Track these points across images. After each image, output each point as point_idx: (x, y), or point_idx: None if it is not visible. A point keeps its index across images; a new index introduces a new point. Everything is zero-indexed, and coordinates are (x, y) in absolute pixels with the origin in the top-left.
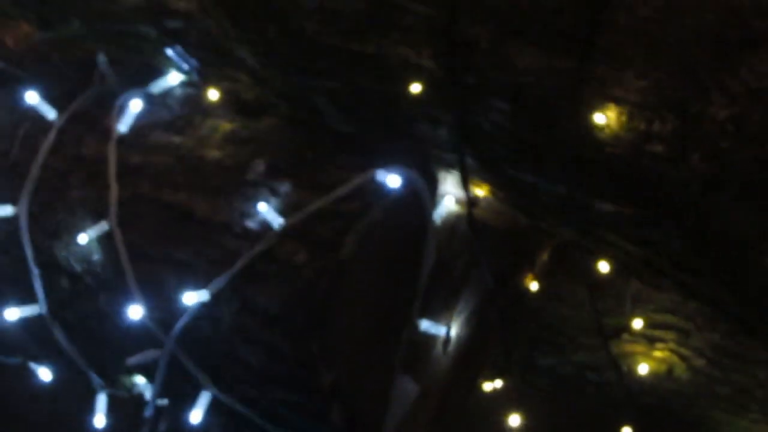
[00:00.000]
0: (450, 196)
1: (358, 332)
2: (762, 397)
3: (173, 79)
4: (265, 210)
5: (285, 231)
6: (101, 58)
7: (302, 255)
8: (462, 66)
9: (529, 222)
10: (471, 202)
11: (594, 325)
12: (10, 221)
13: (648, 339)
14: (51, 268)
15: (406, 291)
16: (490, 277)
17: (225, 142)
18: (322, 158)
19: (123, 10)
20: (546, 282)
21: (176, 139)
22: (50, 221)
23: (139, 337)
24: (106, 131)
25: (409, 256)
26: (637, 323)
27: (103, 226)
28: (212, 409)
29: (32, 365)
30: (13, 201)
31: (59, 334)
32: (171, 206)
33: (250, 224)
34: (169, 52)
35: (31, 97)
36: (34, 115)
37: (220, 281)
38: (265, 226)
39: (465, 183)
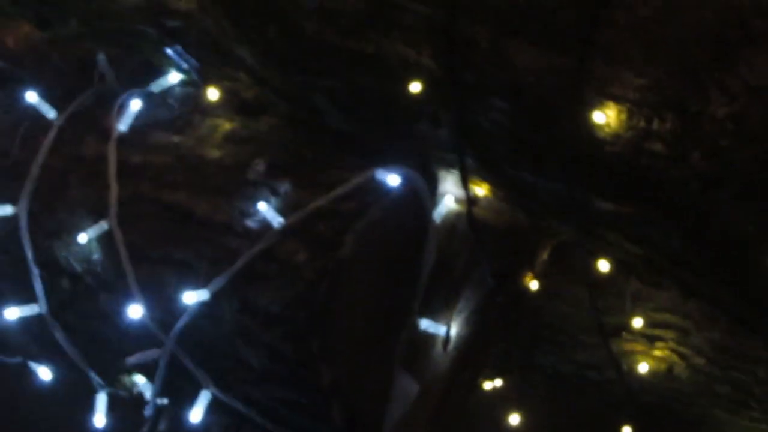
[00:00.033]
0: (450, 195)
1: (358, 331)
2: (762, 396)
3: (173, 78)
4: (265, 209)
5: (285, 230)
6: (101, 58)
7: (302, 254)
8: (462, 65)
9: (529, 221)
10: (471, 201)
11: (594, 324)
12: (10, 221)
13: (648, 338)
14: (51, 267)
15: (406, 290)
16: (490, 276)
17: (225, 141)
18: (321, 157)
19: (122, 10)
20: (546, 281)
21: (176, 139)
22: (50, 221)
23: (139, 336)
24: (106, 131)
25: (409, 255)
26: (637, 322)
27: (102, 226)
28: (212, 409)
29: (32, 365)
30: (13, 201)
31: (59, 334)
32: (171, 206)
33: (250, 224)
34: (169, 51)
35: (31, 97)
36: (33, 114)
37: (220, 281)
38: (265, 225)
39: (465, 182)
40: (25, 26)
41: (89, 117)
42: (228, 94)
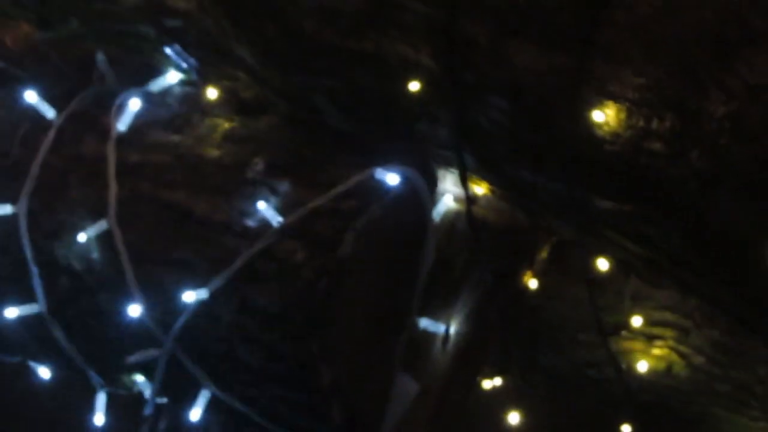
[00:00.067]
0: (449, 194)
1: (357, 331)
2: (762, 394)
3: (172, 77)
4: (264, 208)
5: (284, 229)
6: (100, 58)
7: (301, 254)
8: (461, 64)
9: (529, 220)
10: (470, 200)
11: (593, 323)
12: (10, 220)
13: (647, 336)
14: (50, 267)
15: (405, 289)
16: (489, 275)
17: (224, 140)
18: (321, 157)
19: (122, 10)
20: (545, 279)
21: (175, 138)
22: (50, 220)
23: (138, 335)
24: (106, 130)
25: (409, 254)
26: (636, 321)
27: (102, 225)
28: (212, 408)
29: (32, 364)
30: (13, 200)
31: (59, 333)
32: (170, 205)
33: (250, 223)
34: (168, 51)
35: (31, 97)
36: (33, 114)
37: (219, 280)
38: (265, 224)
39: (464, 181)
40: (25, 26)
41: (88, 116)
42: (227, 94)
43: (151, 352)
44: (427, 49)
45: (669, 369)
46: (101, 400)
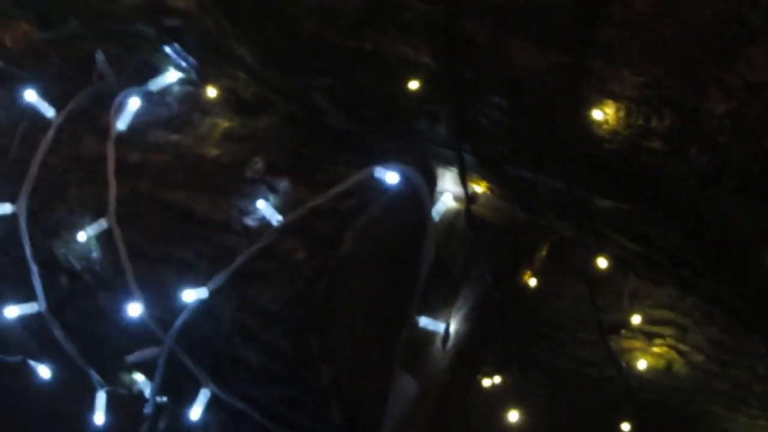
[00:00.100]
0: (448, 193)
1: (357, 330)
2: (761, 393)
3: (172, 77)
4: (264, 207)
5: (284, 228)
6: (100, 57)
7: (301, 252)
8: (461, 63)
9: (528, 218)
10: (469, 198)
11: (593, 321)
12: (9, 220)
13: (646, 335)
14: (50, 266)
15: (404, 288)
16: (488, 273)
17: (224, 140)
18: (320, 156)
19: (122, 9)
20: (545, 278)
21: (175, 137)
22: (49, 219)
23: (138, 334)
24: (105, 129)
25: (408, 253)
26: (636, 319)
27: (102, 224)
28: (211, 407)
29: (32, 363)
30: (12, 199)
31: (58, 332)
32: (170, 204)
33: (249, 222)
34: (168, 50)
35: (30, 96)
36: (33, 113)
37: (219, 279)
38: (264, 223)
39: (463, 180)
40: (24, 25)
41: (88, 116)
42: (227, 93)
43: (151, 351)
44: (426, 49)
45: (668, 367)
46: (101, 399)
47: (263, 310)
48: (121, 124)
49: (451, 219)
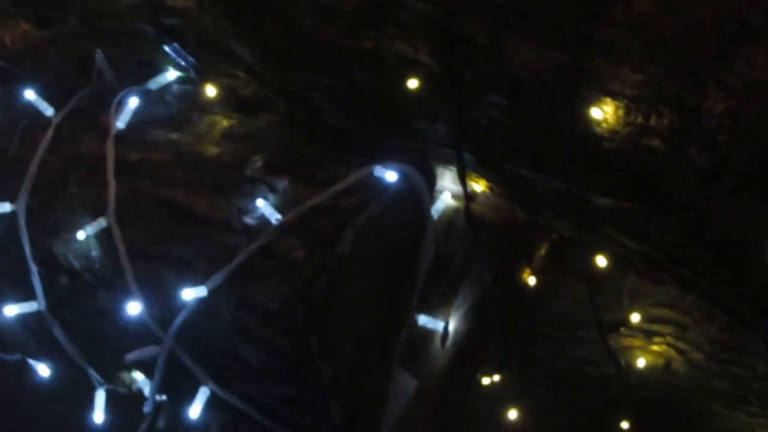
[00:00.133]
0: (447, 191)
1: (356, 328)
2: (761, 391)
3: (171, 75)
4: (264, 206)
5: (283, 227)
6: (99, 56)
7: (300, 251)
8: (460, 63)
9: (527, 217)
10: (468, 197)
11: (592, 320)
12: (9, 219)
13: (645, 333)
14: (50, 265)
15: (404, 287)
16: (487, 272)
17: (223, 138)
18: (320, 155)
19: (121, 9)
20: (544, 277)
21: (174, 136)
22: (49, 218)
23: (137, 333)
24: (105, 129)
25: (407, 251)
26: (635, 317)
27: (101, 223)
28: (211, 405)
29: (31, 362)
30: (12, 198)
31: (58, 331)
32: (169, 203)
33: (249, 220)
34: (167, 49)
35: (29, 95)
36: (32, 112)
37: (218, 277)
38: (264, 222)
39: (462, 178)
40: (23, 25)
41: (87, 115)
42: (226, 92)
43: (151, 350)
44: (426, 48)
45: (668, 365)
46: (101, 397)
47: (263, 308)
48: (121, 123)
49: (450, 217)
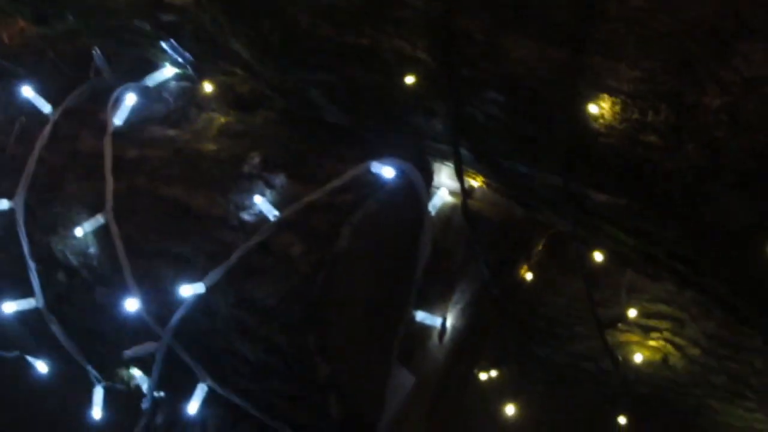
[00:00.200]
0: (444, 187)
1: (354, 325)
2: (759, 386)
3: (168, 72)
4: (261, 202)
5: (281, 223)
6: (97, 53)
7: (298, 247)
8: (458, 59)
9: (524, 213)
10: (466, 193)
11: (590, 315)
12: (7, 215)
13: (643, 328)
14: (47, 261)
15: (401, 282)
16: (485, 267)
17: (220, 135)
18: (317, 151)
19: (118, 5)
20: (541, 272)
21: (172, 133)
22: (47, 215)
23: (135, 330)
24: (102, 125)
25: (405, 247)
26: (632, 313)
27: (99, 220)
28: (209, 402)
29: (29, 358)
30: (10, 195)
31: (56, 328)
32: (167, 199)
33: (246, 217)
34: (164, 45)
35: (27, 92)
36: (30, 109)
37: (216, 274)
38: (261, 218)
39: (459, 174)
40: (21, 22)
41: (85, 112)
42: (223, 88)
43: (149, 347)
44: (423, 44)
45: (665, 361)
46: (99, 394)
47: (260, 305)
48: (118, 119)
49: (447, 213)
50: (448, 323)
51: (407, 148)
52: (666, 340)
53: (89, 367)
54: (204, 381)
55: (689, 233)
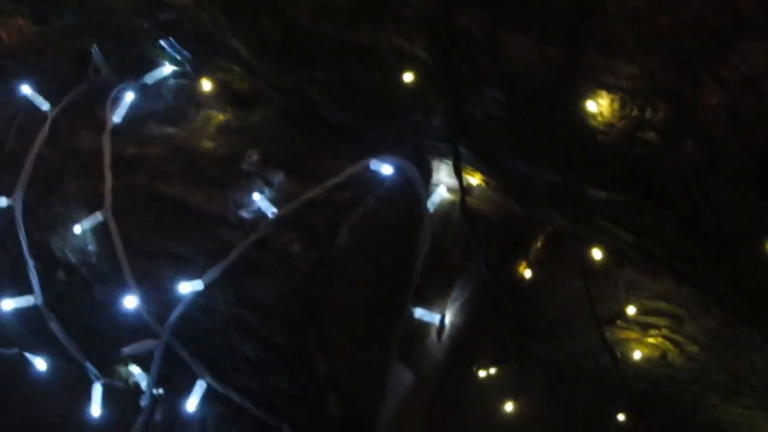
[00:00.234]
0: (443, 185)
1: (353, 322)
2: (756, 383)
3: (167, 70)
4: (259, 200)
5: (279, 221)
6: (95, 51)
7: (297, 245)
8: (456, 56)
9: (523, 210)
10: (464, 190)
11: (588, 312)
12: (5, 213)
13: (641, 325)
14: (46, 259)
15: (400, 280)
16: (484, 265)
17: (219, 132)
18: (315, 148)
19: (117, 3)
20: (540, 270)
21: (170, 131)
22: (45, 213)
23: (134, 327)
24: (101, 123)
25: (404, 245)
26: (631, 310)
27: (97, 218)
28: (208, 399)
29: (28, 356)
30: (8, 193)
31: (55, 325)
32: (166, 197)
33: (245, 214)
34: (163, 43)
35: (25, 90)
36: (28, 107)
37: (214, 271)
38: (260, 216)
39: (458, 172)
40: (19, 20)
41: (84, 109)
42: (222, 86)
43: (148, 344)
44: (422, 42)
45: (663, 358)
46: (98, 391)
47: (259, 303)
48: (117, 117)
49: (446, 211)
50: (447, 320)
51: (406, 145)
52: (665, 337)
53: (88, 365)
54: (203, 378)
55: (687, 230)
